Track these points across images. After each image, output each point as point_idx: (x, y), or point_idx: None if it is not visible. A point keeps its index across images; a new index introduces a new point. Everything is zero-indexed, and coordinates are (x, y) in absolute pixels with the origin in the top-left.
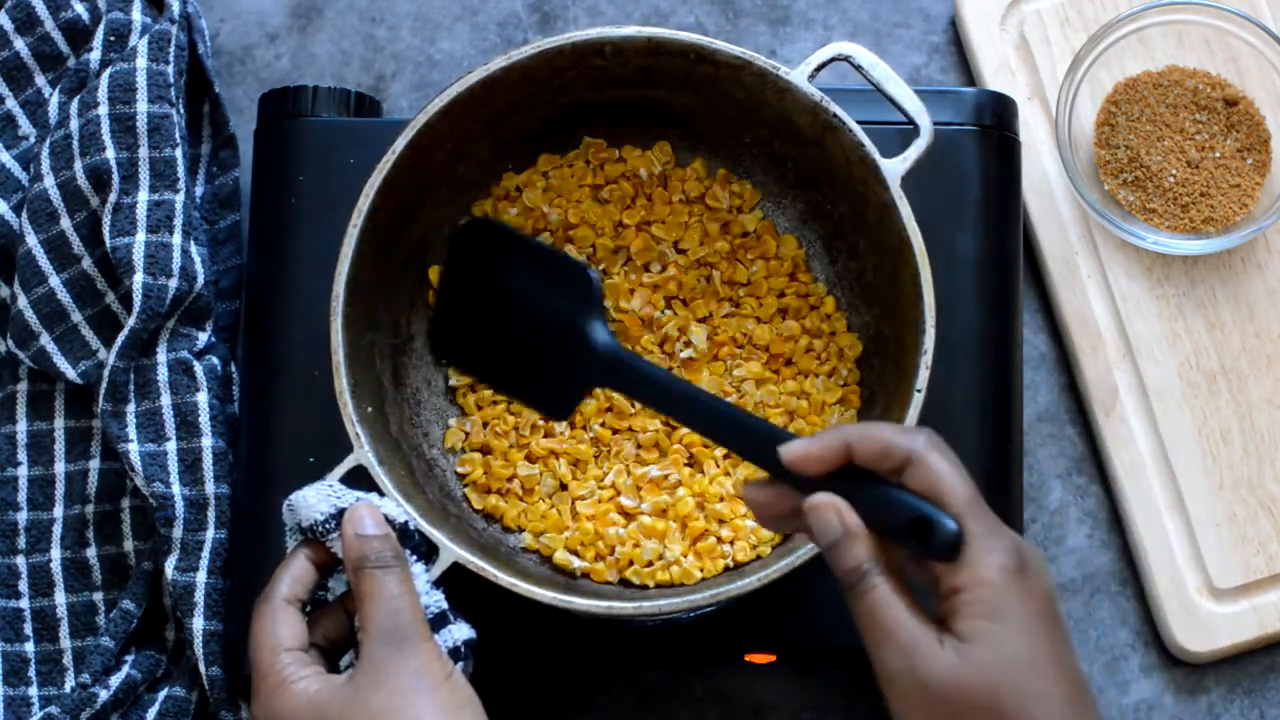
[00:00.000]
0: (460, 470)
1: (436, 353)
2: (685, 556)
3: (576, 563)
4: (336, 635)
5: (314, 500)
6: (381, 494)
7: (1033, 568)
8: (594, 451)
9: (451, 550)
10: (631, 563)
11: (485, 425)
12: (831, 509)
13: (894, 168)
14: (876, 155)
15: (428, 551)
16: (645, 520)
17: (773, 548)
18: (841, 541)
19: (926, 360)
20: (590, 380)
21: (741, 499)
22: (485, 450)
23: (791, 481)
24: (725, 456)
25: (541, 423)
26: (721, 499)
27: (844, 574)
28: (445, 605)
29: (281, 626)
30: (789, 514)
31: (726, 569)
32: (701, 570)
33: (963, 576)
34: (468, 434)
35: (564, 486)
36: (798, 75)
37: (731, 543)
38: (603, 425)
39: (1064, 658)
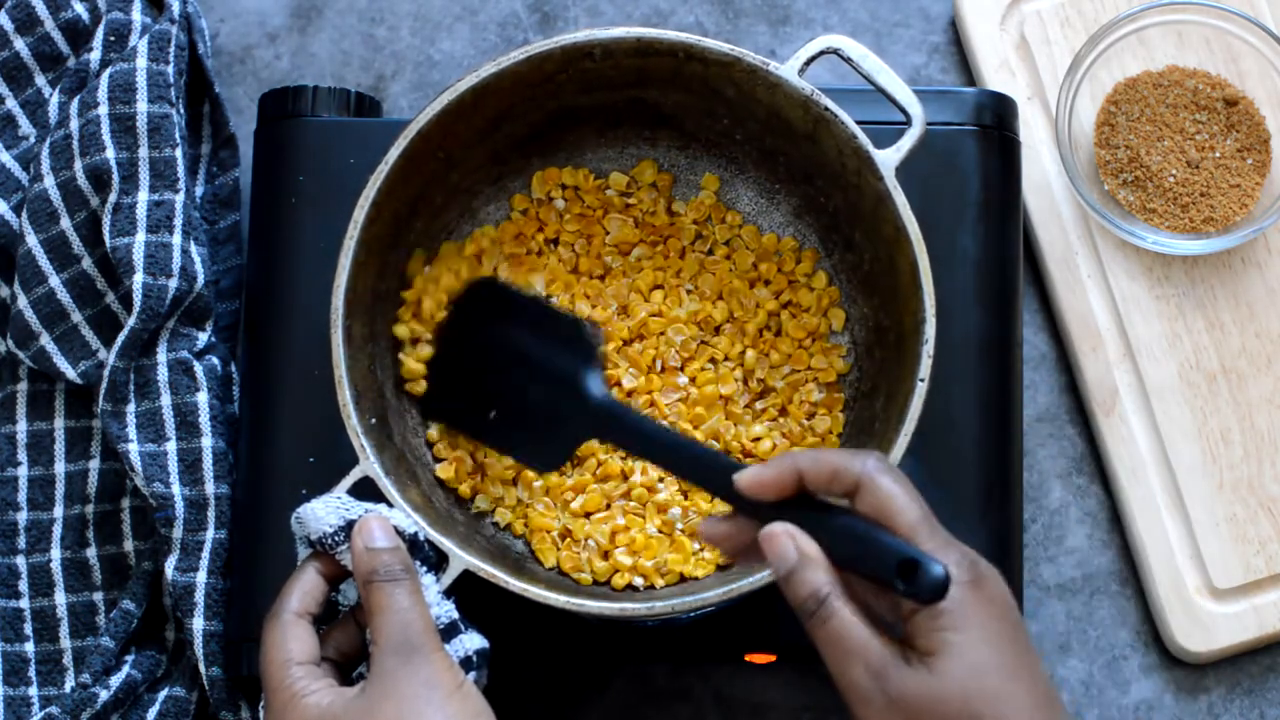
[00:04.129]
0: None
1: (428, 415)
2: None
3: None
4: (348, 648)
5: (323, 513)
6: (390, 505)
7: (988, 578)
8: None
9: (461, 558)
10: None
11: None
12: (786, 536)
13: (887, 158)
14: (869, 146)
15: (438, 562)
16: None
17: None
18: (798, 568)
19: (929, 349)
20: (584, 432)
21: (699, 535)
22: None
23: (753, 514)
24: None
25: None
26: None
27: (802, 601)
28: (456, 615)
29: (292, 640)
30: (747, 547)
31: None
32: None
33: None
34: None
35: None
36: (788, 70)
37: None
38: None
39: (1029, 662)
